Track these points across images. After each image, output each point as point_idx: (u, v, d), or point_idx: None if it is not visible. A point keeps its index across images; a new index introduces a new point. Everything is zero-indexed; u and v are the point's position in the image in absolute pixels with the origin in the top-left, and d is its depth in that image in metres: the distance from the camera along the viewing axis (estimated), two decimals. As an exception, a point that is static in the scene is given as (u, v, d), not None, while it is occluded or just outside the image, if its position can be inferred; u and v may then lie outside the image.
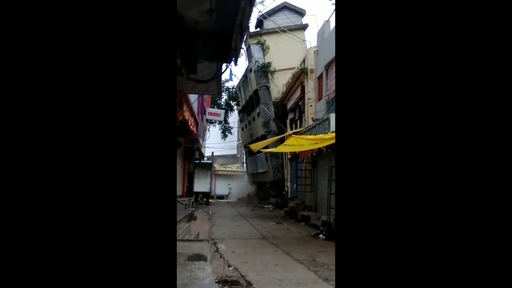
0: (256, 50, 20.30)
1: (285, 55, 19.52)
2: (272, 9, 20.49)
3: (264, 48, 20.12)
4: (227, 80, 23.28)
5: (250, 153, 24.45)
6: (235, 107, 25.46)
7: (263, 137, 18.90)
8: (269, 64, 19.81)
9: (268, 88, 19.81)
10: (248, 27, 4.30)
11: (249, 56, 21.01)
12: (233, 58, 4.88)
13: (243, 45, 4.82)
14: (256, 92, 20.28)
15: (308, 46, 16.51)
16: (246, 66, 22.44)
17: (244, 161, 29.05)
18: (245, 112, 25.03)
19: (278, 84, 19.90)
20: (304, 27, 20.59)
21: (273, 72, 19.88)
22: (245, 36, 4.60)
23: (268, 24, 20.35)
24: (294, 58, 18.28)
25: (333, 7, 13.33)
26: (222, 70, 5.62)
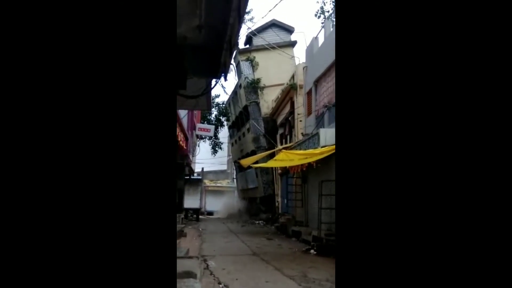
0: (245, 67, 20.55)
1: (274, 71, 19.79)
2: (261, 26, 20.90)
3: (253, 65, 20.41)
4: (217, 96, 23.39)
5: (240, 169, 24.37)
6: (225, 123, 25.50)
7: (253, 153, 18.94)
8: (258, 80, 20.04)
9: (257, 104, 19.97)
10: (237, 43, 4.34)
11: (239, 73, 21.24)
12: (223, 74, 4.90)
13: (232, 61, 4.86)
14: (246, 107, 20.41)
15: (297, 62, 16.74)
16: (236, 82, 22.62)
17: (235, 177, 28.90)
18: (235, 127, 25.10)
19: (268, 100, 20.10)
20: (292, 43, 20.97)
21: (262, 88, 20.10)
22: (235, 52, 4.64)
23: (257, 41, 20.66)
24: (283, 74, 18.53)
25: (321, 25, 13.58)
26: (212, 86, 5.64)
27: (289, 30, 21.71)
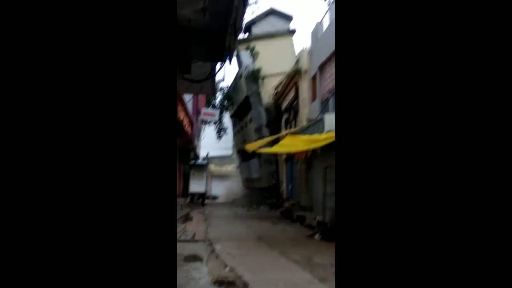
0: (245, 56, 20.23)
1: (274, 60, 19.49)
2: (260, 15, 20.50)
3: (253, 54, 20.02)
4: (221, 80, 23.24)
5: (243, 159, 24.35)
6: (229, 108, 25.38)
7: (256, 143, 18.94)
8: (259, 70, 19.73)
9: (259, 94, 19.71)
10: (241, 27, 4.28)
11: (239, 62, 20.92)
12: (228, 58, 4.85)
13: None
14: (247, 98, 20.18)
15: (302, 47, 16.55)
16: (236, 72, 22.42)
17: (238, 167, 28.89)
18: (237, 117, 24.93)
19: (269, 89, 19.86)
20: (292, 31, 20.59)
21: (263, 78, 19.79)
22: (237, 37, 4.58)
23: (256, 30, 20.31)
24: (283, 63, 18.30)
25: (326, 8, 13.36)
26: (217, 70, 5.60)
27: (288, 17, 21.32)
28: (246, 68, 19.90)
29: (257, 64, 19.94)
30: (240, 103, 22.32)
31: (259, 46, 20.07)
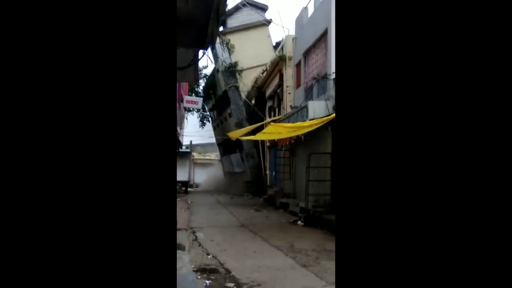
0: (221, 50, 19.73)
1: (251, 53, 19.14)
2: (234, 7, 19.88)
3: (229, 48, 19.50)
4: (204, 67, 22.91)
5: (224, 152, 24.15)
6: (208, 102, 24.92)
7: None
8: (236, 64, 19.29)
9: (237, 88, 19.35)
10: (225, 12, 4.21)
11: (215, 57, 20.39)
12: (210, 44, 4.78)
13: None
14: (225, 92, 19.83)
15: (286, 34, 16.44)
16: (213, 67, 21.98)
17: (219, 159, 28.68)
18: (215, 110, 24.44)
19: (247, 83, 19.48)
20: (268, 21, 20.26)
21: (241, 71, 19.41)
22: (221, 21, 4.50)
23: (231, 23, 19.78)
24: (261, 54, 18.04)
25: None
26: (199, 57, 5.51)
27: (263, 8, 20.81)
28: (222, 63, 19.47)
29: (234, 58, 19.50)
30: (218, 96, 21.96)
31: (234, 39, 19.58)
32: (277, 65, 15.89)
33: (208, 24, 4.25)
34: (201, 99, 21.23)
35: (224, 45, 19.58)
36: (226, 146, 22.89)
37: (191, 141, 26.30)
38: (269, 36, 19.34)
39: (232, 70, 19.34)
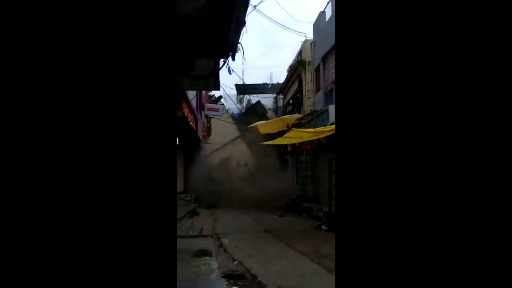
0: None
1: None
2: None
3: None
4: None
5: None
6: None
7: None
8: None
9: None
10: (244, 22, 4.29)
11: None
12: (231, 54, 4.87)
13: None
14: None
15: (305, 38, 16.43)
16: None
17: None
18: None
19: None
20: None
21: None
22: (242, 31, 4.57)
23: None
24: None
25: (329, -3, 13.23)
26: (220, 66, 5.61)
27: None
28: None
29: None
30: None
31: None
32: (296, 70, 15.89)
33: (228, 34, 4.34)
34: (222, 106, 21.38)
35: None
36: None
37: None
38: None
39: None
